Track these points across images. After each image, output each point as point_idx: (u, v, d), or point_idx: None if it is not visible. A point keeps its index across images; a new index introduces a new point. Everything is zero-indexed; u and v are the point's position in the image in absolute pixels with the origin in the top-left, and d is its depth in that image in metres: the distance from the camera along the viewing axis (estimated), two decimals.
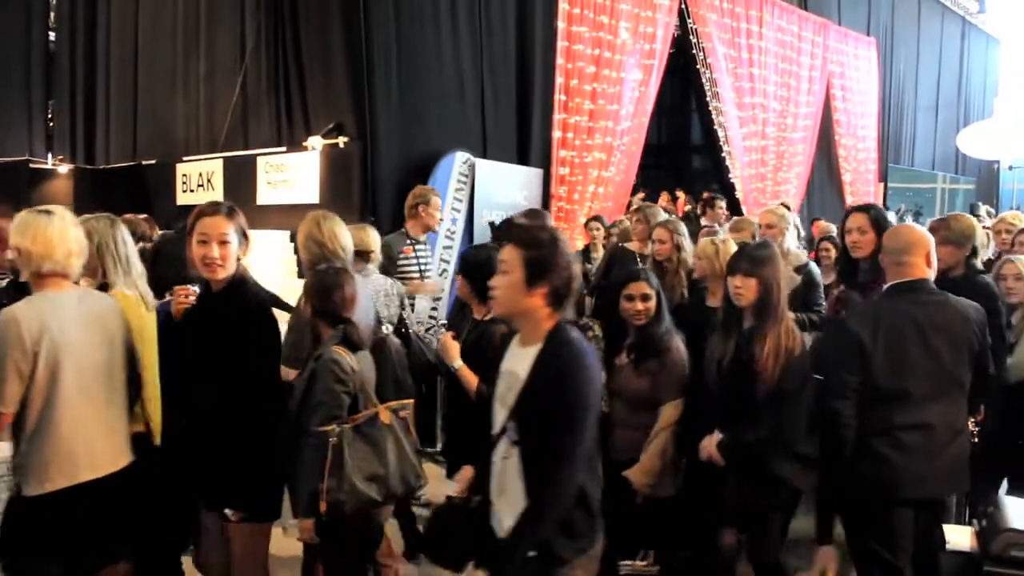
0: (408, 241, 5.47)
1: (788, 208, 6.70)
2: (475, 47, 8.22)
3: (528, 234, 2.49)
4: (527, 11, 8.76)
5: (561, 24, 8.95)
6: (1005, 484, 4.51)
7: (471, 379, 3.57)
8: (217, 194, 8.78)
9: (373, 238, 4.69)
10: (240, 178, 8.49)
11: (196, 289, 3.36)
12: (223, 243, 3.07)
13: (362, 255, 4.50)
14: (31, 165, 10.20)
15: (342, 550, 3.33)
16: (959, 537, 3.50)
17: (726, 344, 3.59)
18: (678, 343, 3.77)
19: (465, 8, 8.09)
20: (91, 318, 3.01)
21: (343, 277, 3.41)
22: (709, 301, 4.54)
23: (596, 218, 8.16)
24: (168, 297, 3.60)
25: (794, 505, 3.71)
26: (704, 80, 11.53)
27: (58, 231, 2.92)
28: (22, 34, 10.80)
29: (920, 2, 17.20)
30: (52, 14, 11.14)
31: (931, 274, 3.42)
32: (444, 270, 7.31)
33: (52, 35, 11.14)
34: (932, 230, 4.14)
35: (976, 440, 3.87)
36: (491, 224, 7.07)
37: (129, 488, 3.08)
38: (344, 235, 4.10)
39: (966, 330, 3.34)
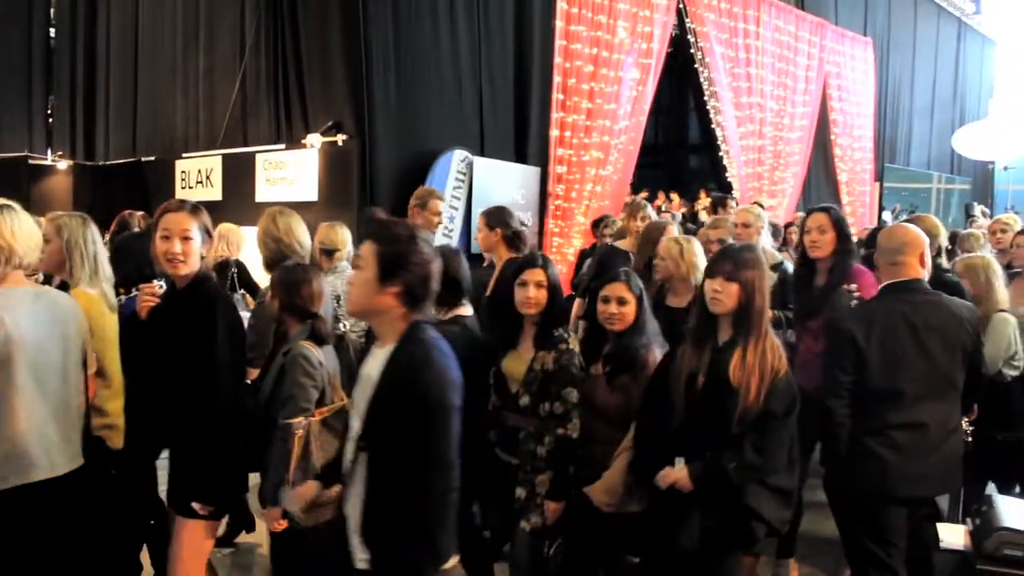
0: None
1: (762, 207, 6.69)
2: (473, 46, 8.24)
3: (384, 230, 2.39)
4: (525, 10, 8.78)
5: (559, 23, 8.97)
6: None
7: None
8: (216, 191, 8.81)
9: (342, 236, 4.77)
10: (239, 175, 8.51)
11: (162, 284, 3.36)
12: (185, 239, 3.09)
13: (329, 253, 4.55)
14: (30, 161, 10.20)
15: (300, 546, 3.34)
16: (953, 535, 3.53)
17: (699, 358, 3.14)
18: (656, 358, 3.41)
19: (464, 7, 8.11)
20: (47, 316, 2.97)
21: (310, 272, 3.46)
22: (670, 300, 4.42)
23: (607, 217, 8.10)
24: (135, 292, 3.62)
25: (770, 542, 3.30)
26: (701, 80, 11.57)
27: (16, 225, 2.89)
28: (23, 31, 10.82)
29: (916, 3, 17.23)
30: (52, 11, 11.15)
31: (925, 274, 3.45)
32: None
33: (52, 32, 11.15)
34: None
35: (969, 439, 3.90)
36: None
37: (84, 489, 3.06)
38: (300, 231, 4.15)
39: (960, 330, 3.37)
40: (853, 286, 4.11)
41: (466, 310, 3.80)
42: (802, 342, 4.38)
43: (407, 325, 2.33)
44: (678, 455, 3.11)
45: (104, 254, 3.64)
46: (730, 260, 3.13)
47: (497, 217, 5.00)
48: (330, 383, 3.32)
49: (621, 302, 3.47)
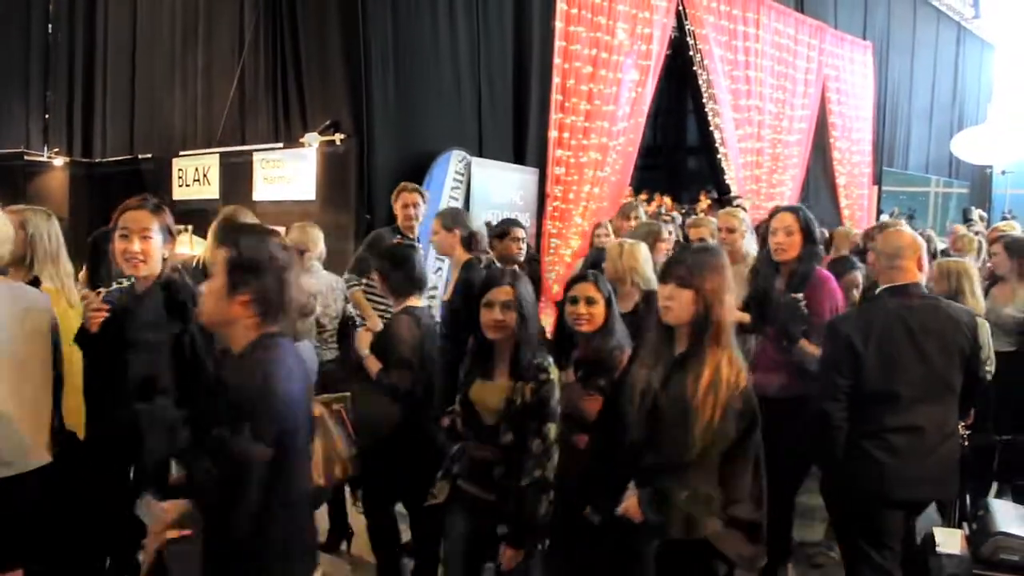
0: (397, 236, 5.49)
1: (745, 209, 6.64)
2: (472, 46, 8.24)
3: (235, 235, 2.23)
4: (525, 11, 8.77)
5: (559, 24, 8.95)
6: None
7: (373, 367, 3.68)
8: (214, 190, 8.80)
9: (312, 236, 4.91)
10: (237, 174, 8.49)
11: (121, 283, 3.22)
12: (145, 238, 3.01)
13: (299, 253, 4.62)
14: (27, 158, 10.16)
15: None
16: (950, 540, 3.53)
17: (652, 372, 2.81)
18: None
19: (463, 7, 8.11)
20: (20, 311, 2.97)
21: None
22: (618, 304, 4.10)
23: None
24: (114, 286, 3.58)
25: None
26: (700, 82, 11.54)
27: None
28: (21, 27, 10.78)
29: (916, 7, 17.24)
30: (51, 7, 11.11)
31: (923, 278, 3.46)
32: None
33: (50, 28, 11.12)
34: (867, 237, 4.04)
35: (966, 443, 3.90)
36: (487, 224, 7.05)
37: (48, 488, 3.03)
38: None
39: (957, 334, 3.37)
40: (800, 295, 4.01)
41: (418, 301, 3.84)
42: (760, 345, 4.31)
43: (255, 338, 2.16)
44: (631, 479, 2.85)
45: (65, 252, 3.60)
46: (684, 264, 2.77)
47: (453, 218, 5.02)
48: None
49: (589, 302, 3.31)
